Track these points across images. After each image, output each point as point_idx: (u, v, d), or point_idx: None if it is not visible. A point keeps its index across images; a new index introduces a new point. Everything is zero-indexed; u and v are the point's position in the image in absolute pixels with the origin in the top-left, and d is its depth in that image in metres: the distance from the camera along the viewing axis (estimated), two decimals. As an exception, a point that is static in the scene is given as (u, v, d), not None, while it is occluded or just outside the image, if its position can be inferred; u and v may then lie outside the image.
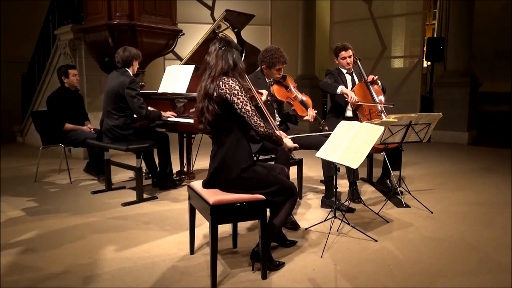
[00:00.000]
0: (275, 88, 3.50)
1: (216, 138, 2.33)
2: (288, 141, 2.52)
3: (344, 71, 3.94)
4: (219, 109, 2.20)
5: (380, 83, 3.92)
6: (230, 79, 2.22)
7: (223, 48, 2.27)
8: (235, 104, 2.19)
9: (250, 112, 2.20)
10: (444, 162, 5.67)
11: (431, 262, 2.50)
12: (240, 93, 2.19)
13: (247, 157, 2.27)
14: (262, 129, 2.25)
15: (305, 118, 3.52)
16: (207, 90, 2.23)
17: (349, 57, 3.84)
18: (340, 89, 3.67)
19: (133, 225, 3.14)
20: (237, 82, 2.21)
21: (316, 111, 3.54)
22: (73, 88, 4.63)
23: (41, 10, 6.91)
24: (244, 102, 2.19)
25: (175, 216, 3.34)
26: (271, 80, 3.52)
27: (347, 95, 3.64)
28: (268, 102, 3.38)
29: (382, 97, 3.87)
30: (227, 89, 2.18)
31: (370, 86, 3.84)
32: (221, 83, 2.20)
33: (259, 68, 3.51)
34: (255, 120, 2.23)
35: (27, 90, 7.36)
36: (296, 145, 2.57)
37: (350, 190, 3.70)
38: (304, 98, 3.64)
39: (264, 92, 3.22)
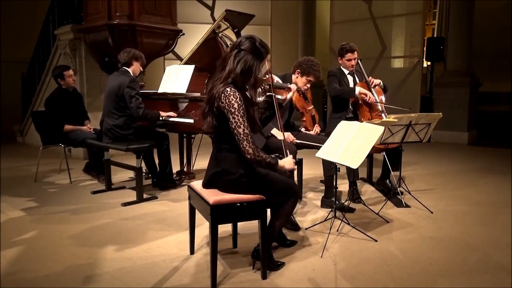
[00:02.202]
0: (296, 96, 3.51)
1: (215, 142, 2.31)
2: (287, 162, 2.29)
3: (346, 71, 3.93)
4: (216, 122, 2.17)
5: (381, 83, 3.92)
6: (232, 94, 2.09)
7: (242, 52, 2.13)
8: (229, 122, 2.12)
9: (241, 136, 2.09)
10: (444, 162, 5.67)
11: (431, 262, 2.50)
12: (237, 113, 2.08)
13: (246, 162, 2.22)
14: (249, 156, 2.11)
15: (310, 132, 3.59)
16: (211, 95, 2.17)
17: (354, 59, 3.84)
18: (358, 90, 3.66)
19: (133, 225, 3.14)
20: (237, 99, 2.09)
21: (320, 129, 3.63)
22: (70, 88, 4.63)
23: (41, 10, 6.92)
24: (238, 124, 2.09)
25: (175, 216, 3.34)
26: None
27: (366, 94, 3.64)
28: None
29: (383, 97, 3.87)
30: (226, 104, 2.10)
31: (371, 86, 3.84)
32: (223, 95, 2.11)
33: (291, 71, 3.51)
34: (244, 145, 2.10)
35: (27, 90, 7.37)
36: (295, 167, 2.40)
37: (350, 190, 3.70)
38: (314, 113, 3.72)
39: (293, 86, 2.93)
